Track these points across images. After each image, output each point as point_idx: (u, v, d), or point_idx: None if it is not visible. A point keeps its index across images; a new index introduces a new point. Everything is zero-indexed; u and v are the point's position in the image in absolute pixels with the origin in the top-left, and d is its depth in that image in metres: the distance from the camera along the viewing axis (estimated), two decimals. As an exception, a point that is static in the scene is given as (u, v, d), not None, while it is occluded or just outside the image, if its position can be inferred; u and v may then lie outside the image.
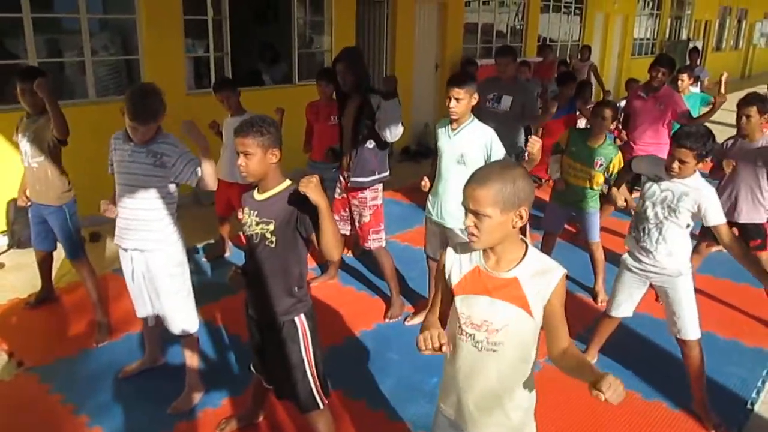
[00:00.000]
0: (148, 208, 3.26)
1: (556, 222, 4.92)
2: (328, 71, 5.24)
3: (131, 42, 6.69)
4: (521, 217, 1.90)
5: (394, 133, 4.09)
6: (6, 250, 5.56)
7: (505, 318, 1.97)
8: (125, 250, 3.38)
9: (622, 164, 4.43)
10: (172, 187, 3.31)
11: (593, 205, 4.65)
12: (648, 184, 3.37)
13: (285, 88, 8.13)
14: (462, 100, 3.71)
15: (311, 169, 5.54)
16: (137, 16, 6.47)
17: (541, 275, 1.94)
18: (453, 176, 3.80)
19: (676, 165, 3.15)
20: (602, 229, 4.84)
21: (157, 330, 3.64)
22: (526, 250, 1.98)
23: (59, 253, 4.45)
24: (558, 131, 6.13)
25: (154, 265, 3.32)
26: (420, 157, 9.33)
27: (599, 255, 4.79)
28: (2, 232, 5.67)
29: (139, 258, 3.34)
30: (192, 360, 3.50)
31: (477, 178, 1.90)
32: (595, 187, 4.60)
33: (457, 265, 2.08)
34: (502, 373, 2.03)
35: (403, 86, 9.03)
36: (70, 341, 4.11)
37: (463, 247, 2.09)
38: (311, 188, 2.38)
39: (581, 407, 3.50)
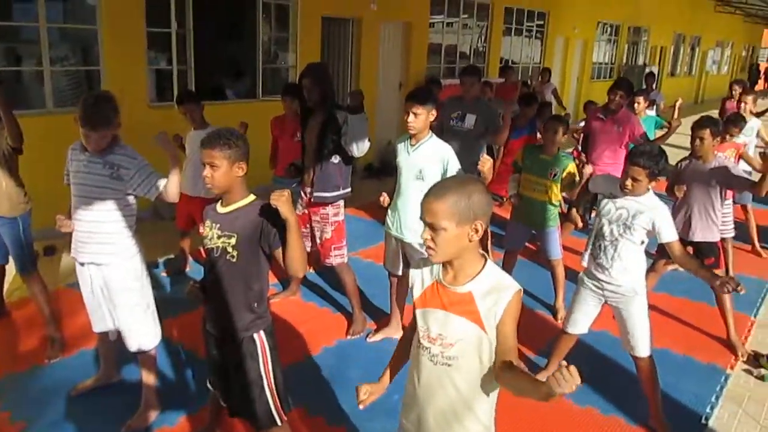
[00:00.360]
0: (105, 220, 3.19)
1: (517, 240, 4.98)
2: (294, 87, 5.23)
3: (92, 53, 6.59)
4: (477, 231, 1.91)
5: (360, 148, 4.10)
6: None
7: (459, 332, 1.98)
8: (82, 264, 3.30)
9: (576, 172, 4.56)
10: (131, 198, 3.24)
11: (553, 222, 4.73)
12: (604, 202, 3.45)
13: (249, 103, 8.09)
14: (420, 115, 3.75)
15: (276, 185, 5.51)
16: (98, 27, 6.39)
17: (495, 291, 1.94)
18: (412, 191, 3.83)
19: (629, 182, 3.25)
20: (563, 247, 4.91)
21: (113, 346, 3.54)
22: (483, 265, 1.99)
23: (11, 267, 4.31)
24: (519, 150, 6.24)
25: (112, 279, 3.24)
26: (383, 174, 9.36)
27: (560, 272, 4.87)
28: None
29: (97, 272, 3.26)
30: (148, 377, 3.41)
31: (434, 192, 1.92)
32: (554, 201, 4.68)
33: (419, 280, 2.11)
34: (459, 388, 2.03)
35: (366, 104, 9.08)
36: (21, 357, 3.98)
37: (425, 261, 2.10)
38: (282, 202, 2.37)
39: (537, 423, 3.53)
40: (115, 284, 3.24)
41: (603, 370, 4.15)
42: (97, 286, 3.29)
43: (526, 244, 5.30)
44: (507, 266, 4.87)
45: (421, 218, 1.94)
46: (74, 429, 3.30)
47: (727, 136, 5.37)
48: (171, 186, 3.19)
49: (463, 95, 5.44)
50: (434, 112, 3.83)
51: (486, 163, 3.62)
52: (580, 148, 6.84)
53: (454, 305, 1.98)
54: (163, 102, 7.19)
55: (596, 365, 4.18)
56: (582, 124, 7.20)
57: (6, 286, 4.52)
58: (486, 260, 2.00)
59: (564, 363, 1.68)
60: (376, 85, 9.82)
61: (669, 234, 3.25)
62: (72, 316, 4.23)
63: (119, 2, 6.42)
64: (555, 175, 4.60)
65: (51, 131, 5.49)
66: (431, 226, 1.90)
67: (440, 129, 4.57)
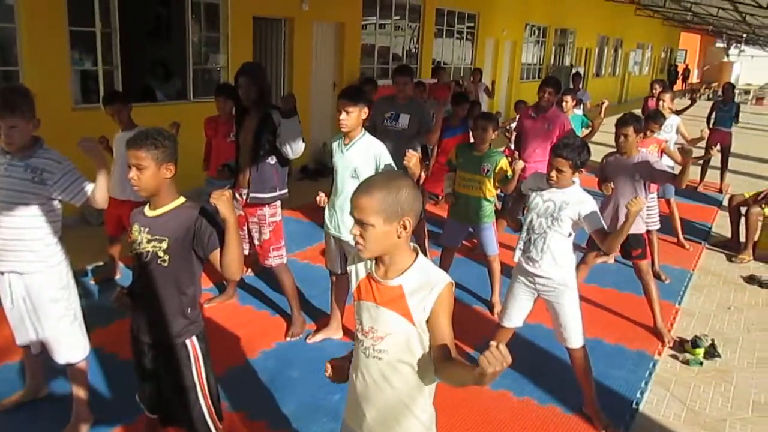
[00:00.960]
0: (27, 226, 3.03)
1: (454, 237, 5.05)
2: (227, 86, 5.15)
3: (10, 53, 6.28)
4: (405, 228, 1.92)
5: (295, 150, 4.08)
6: None
7: (388, 326, 1.99)
8: (2, 273, 3.13)
9: (507, 167, 4.67)
10: (55, 203, 3.10)
11: (488, 218, 4.81)
12: (532, 196, 3.56)
13: (180, 104, 7.90)
14: (352, 113, 3.76)
15: (208, 187, 5.40)
16: (16, 24, 6.10)
17: (426, 285, 1.95)
18: (348, 190, 3.83)
19: (554, 174, 3.37)
20: (499, 244, 5.00)
21: (40, 359, 3.38)
22: (414, 260, 2.00)
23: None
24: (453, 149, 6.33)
25: (35, 289, 3.09)
26: (318, 175, 9.34)
27: (496, 267, 4.96)
28: None
29: (18, 281, 3.09)
30: (79, 390, 3.28)
31: (362, 188, 1.93)
32: (488, 197, 4.77)
33: (355, 273, 2.13)
34: (394, 385, 2.03)
35: (300, 105, 8.97)
36: (-62, 375, 3.76)
37: (359, 256, 2.10)
38: (223, 201, 2.33)
39: (478, 416, 3.59)
40: (38, 294, 3.09)
41: (539, 361, 4.25)
42: (19, 297, 3.12)
43: (463, 242, 5.39)
44: (444, 263, 4.94)
45: (350, 213, 1.95)
46: (-1, 447, 3.15)
47: (648, 132, 5.60)
48: (99, 191, 3.07)
49: (396, 95, 5.47)
50: (366, 111, 3.84)
51: (411, 158, 3.68)
52: (512, 146, 6.99)
53: (384, 299, 1.99)
54: (88, 104, 6.93)
55: (532, 357, 4.28)
56: (514, 123, 7.37)
57: None
58: (417, 254, 2.01)
59: (493, 343, 1.70)
60: (310, 86, 9.77)
61: (594, 223, 3.37)
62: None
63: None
64: (487, 171, 4.69)
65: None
66: (359, 222, 1.91)
67: (373, 129, 4.55)
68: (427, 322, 1.95)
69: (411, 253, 2.00)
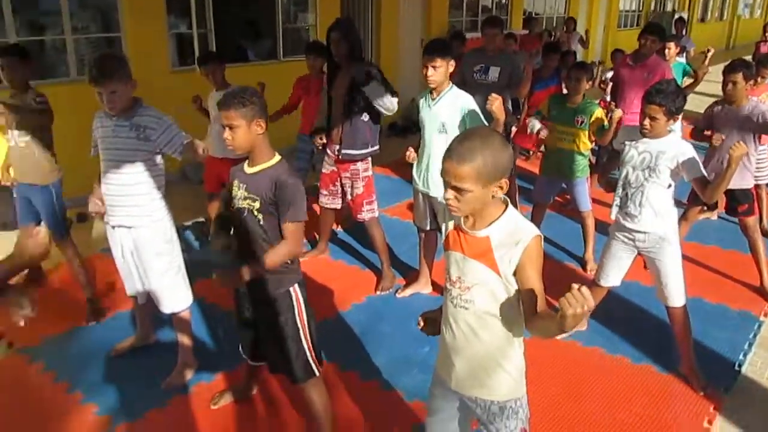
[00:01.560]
0: (134, 183, 3.21)
1: (545, 193, 4.93)
2: (317, 44, 5.20)
3: (112, 20, 6.58)
4: (501, 188, 1.90)
5: (388, 107, 4.12)
6: (-9, 233, 5.50)
7: (475, 276, 1.99)
8: (113, 227, 3.35)
9: (603, 116, 4.49)
10: (158, 158, 3.26)
11: (581, 173, 4.66)
12: (626, 149, 3.40)
13: (270, 64, 8.05)
14: (438, 67, 3.70)
15: (300, 144, 5.52)
16: (118, -7, 6.37)
17: (512, 237, 1.93)
18: (436, 146, 3.81)
19: (647, 122, 3.21)
20: (592, 200, 4.85)
21: (148, 308, 3.62)
22: (503, 211, 1.97)
23: (47, 234, 4.42)
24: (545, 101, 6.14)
25: (141, 243, 3.29)
26: (407, 132, 9.30)
27: (590, 224, 4.83)
28: (-13, 215, 5.60)
29: (126, 235, 3.30)
30: (184, 337, 3.49)
31: (456, 154, 1.88)
32: (582, 150, 4.61)
33: (444, 225, 2.15)
34: (480, 336, 2.04)
35: (388, 62, 8.98)
36: (61, 321, 4.08)
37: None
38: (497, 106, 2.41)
39: (567, 371, 3.55)
40: (144, 248, 3.29)
41: (634, 319, 4.14)
42: (128, 250, 3.34)
43: (555, 197, 5.26)
44: (535, 219, 4.84)
45: (441, 176, 1.93)
46: (115, 388, 3.41)
47: (759, 79, 5.20)
48: (195, 144, 3.22)
49: (485, 47, 5.34)
50: (453, 64, 3.77)
51: (494, 101, 3.59)
52: (608, 98, 6.68)
53: (472, 250, 1.99)
54: (184, 66, 7.19)
55: (627, 315, 4.17)
56: (610, 74, 7.03)
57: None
58: (506, 206, 1.99)
59: (575, 285, 1.66)
60: (397, 43, 9.68)
61: (694, 171, 3.19)
62: (107, 280, 4.33)
63: (137, -33, 6.38)
64: (582, 122, 4.53)
65: (76, 99, 5.51)
66: (455, 189, 1.89)
67: (463, 83, 4.47)
68: (515, 274, 1.93)
69: (500, 205, 1.98)
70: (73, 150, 4.08)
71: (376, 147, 4.35)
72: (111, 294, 4.25)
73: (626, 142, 3.43)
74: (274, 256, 2.57)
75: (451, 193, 1.91)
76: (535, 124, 4.77)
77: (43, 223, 4.18)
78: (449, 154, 1.90)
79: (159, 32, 6.73)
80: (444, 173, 1.91)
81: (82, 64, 6.31)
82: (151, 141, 3.15)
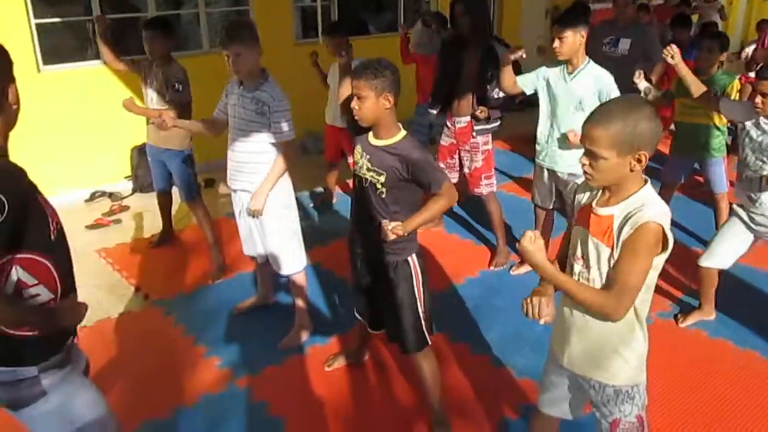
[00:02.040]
0: (254, 151, 3.33)
1: (676, 173, 4.63)
2: (438, 15, 5.15)
3: (241, -7, 6.84)
4: (640, 161, 1.80)
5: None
6: (130, 194, 5.94)
7: (595, 255, 1.91)
8: (235, 191, 3.51)
9: (739, 88, 4.14)
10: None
11: (718, 151, 4.34)
12: (744, 132, 3.13)
13: (391, 36, 8.05)
14: (566, 38, 3.54)
15: (418, 115, 5.52)
16: (247, -33, 6.59)
17: (632, 215, 1.82)
18: (569, 121, 3.65)
19: (759, 100, 2.95)
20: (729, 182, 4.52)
21: (267, 270, 3.77)
22: (638, 189, 1.87)
23: (177, 198, 4.71)
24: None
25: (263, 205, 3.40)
26: (526, 106, 9.03)
27: (723, 207, 4.47)
28: (127, 177, 6.05)
29: (247, 199, 3.43)
30: (300, 299, 3.62)
31: (597, 117, 1.83)
32: (718, 125, 4.28)
33: (579, 199, 2.07)
34: (598, 316, 1.95)
35: (510, 34, 8.74)
36: (189, 278, 4.36)
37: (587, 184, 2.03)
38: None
39: (693, 364, 3.36)
40: (264, 211, 3.40)
41: (763, 309, 3.84)
42: (248, 213, 3.49)
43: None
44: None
45: (581, 141, 1.86)
46: (237, 343, 3.60)
47: None
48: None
49: (616, 18, 5.06)
50: (584, 35, 3.59)
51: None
52: (752, 74, 6.16)
53: (595, 227, 1.91)
54: (307, 39, 7.36)
55: (753, 305, 3.89)
56: (751, 47, 6.48)
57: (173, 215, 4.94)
58: (645, 184, 1.88)
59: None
60: (521, 14, 9.40)
61: None
62: (231, 243, 4.55)
63: (266, -58, 6.57)
64: (715, 95, 4.21)
65: (207, 70, 5.79)
66: (591, 153, 1.82)
67: (592, 55, 4.25)
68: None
69: (639, 182, 1.88)
70: (203, 118, 4.29)
71: (498, 122, 4.28)
72: (234, 255, 4.47)
73: (745, 123, 3.16)
74: (432, 210, 2.57)
75: (585, 159, 1.85)
76: (643, 85, 4.46)
77: (176, 185, 4.47)
78: (590, 116, 1.85)
79: (284, 5, 6.92)
80: (582, 136, 1.86)
81: (214, 37, 6.62)
82: (265, 116, 3.24)
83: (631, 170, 1.82)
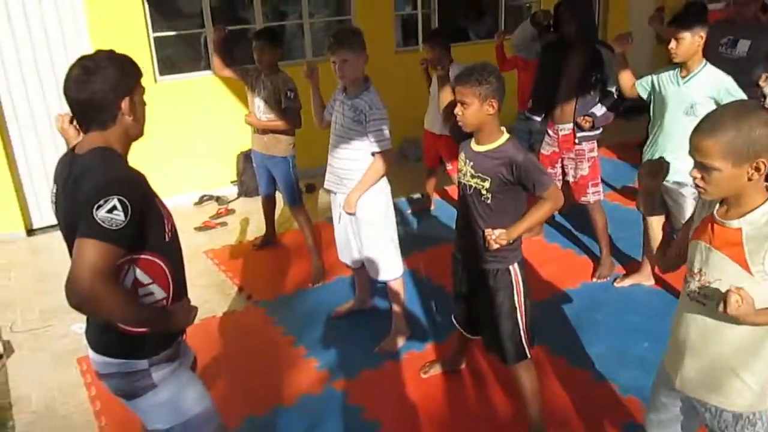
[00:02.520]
0: (352, 158, 3.38)
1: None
2: (538, 20, 5.05)
3: (344, 4, 6.98)
4: (759, 170, 1.68)
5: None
6: (236, 198, 6.19)
7: (719, 271, 1.79)
8: (334, 194, 3.57)
9: None
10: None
11: None
12: None
13: (490, 43, 7.97)
14: (683, 39, 3.36)
15: (518, 122, 5.42)
16: (349, -21, 6.73)
17: (765, 229, 1.70)
18: (679, 129, 3.45)
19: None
20: None
21: (365, 275, 3.81)
22: (764, 201, 1.74)
23: (280, 203, 4.86)
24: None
25: (359, 212, 3.43)
26: (632, 113, 8.66)
27: None
28: (233, 182, 6.31)
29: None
30: (396, 305, 3.63)
31: (705, 126, 1.71)
32: None
33: (699, 211, 1.96)
34: (716, 337, 1.83)
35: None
36: (290, 281, 4.49)
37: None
38: None
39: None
40: (362, 217, 3.44)
41: None
42: (346, 218, 3.53)
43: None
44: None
45: (690, 154, 1.75)
46: (335, 346, 3.66)
47: None
48: (379, 164, 3.33)
49: (735, 17, 4.77)
50: (702, 36, 3.40)
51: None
52: None
53: (719, 241, 1.79)
54: (408, 47, 7.41)
55: None
56: None
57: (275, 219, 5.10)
58: None
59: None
60: (626, 14, 9.05)
61: None
62: (330, 247, 4.59)
63: (367, -46, 6.68)
64: None
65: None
66: (702, 165, 1.71)
67: (708, 57, 4.03)
68: None
69: (763, 193, 1.75)
70: (305, 125, 4.41)
71: (601, 129, 4.13)
72: (334, 259, 4.55)
73: None
74: (538, 214, 2.56)
75: (696, 172, 1.74)
76: (767, 90, 4.14)
77: (280, 190, 4.61)
78: (698, 126, 1.74)
79: (386, 14, 7.01)
80: (691, 148, 1.75)
81: (316, 46, 6.80)
82: (362, 124, 3.28)
83: (749, 179, 1.70)
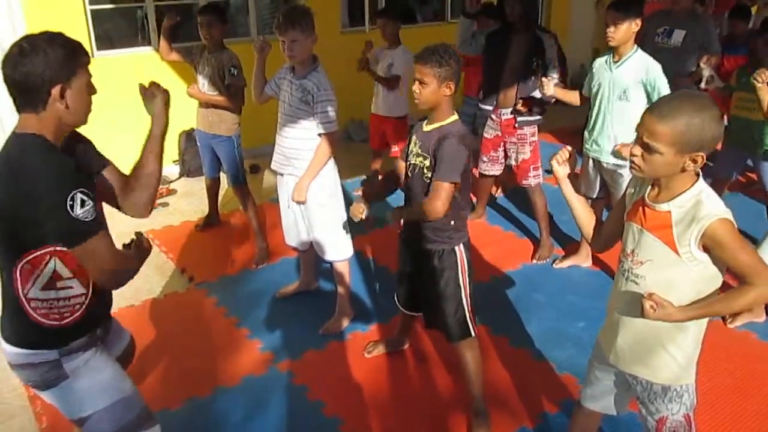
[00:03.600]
0: (299, 137, 3.35)
1: (727, 169, 4.51)
2: (491, 6, 5.10)
3: (290, -20, 6.87)
4: (695, 162, 1.75)
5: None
6: (178, 178, 6.05)
7: (650, 252, 1.87)
8: (281, 175, 3.54)
9: None
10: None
11: (772, 147, 4.20)
12: None
13: (437, 26, 8.02)
14: (620, 26, 3.47)
15: (465, 107, 5.47)
16: (296, -46, 6.61)
17: (691, 214, 1.78)
18: (614, 113, 3.60)
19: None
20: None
21: (311, 256, 3.81)
22: (692, 185, 1.82)
23: (224, 184, 4.78)
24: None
25: (308, 196, 3.42)
26: (574, 99, 8.90)
27: (778, 206, 4.36)
28: (174, 162, 6.17)
29: (292, 184, 3.45)
30: (342, 286, 3.64)
31: (663, 111, 1.75)
32: None
33: (630, 193, 2.03)
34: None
35: (559, 23, 8.60)
36: (233, 262, 4.44)
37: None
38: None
39: (742, 366, 3.27)
40: (312, 200, 3.43)
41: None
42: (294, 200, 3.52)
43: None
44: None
45: (637, 130, 1.81)
46: (279, 327, 3.65)
47: None
48: (325, 146, 3.32)
49: (672, 8, 4.93)
50: (638, 23, 3.51)
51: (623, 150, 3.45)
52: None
53: (650, 221, 1.87)
54: (354, 27, 7.36)
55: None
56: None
57: (219, 199, 5.02)
58: (698, 179, 1.83)
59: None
60: (569, 2, 9.22)
61: None
62: (275, 228, 4.57)
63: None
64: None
65: (254, 57, 5.88)
66: (646, 145, 1.77)
67: (641, 46, 4.17)
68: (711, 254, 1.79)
69: (692, 178, 1.83)
70: (249, 105, 4.33)
71: (541, 114, 4.24)
72: (278, 240, 4.51)
73: None
74: (408, 213, 2.64)
75: (638, 150, 1.80)
76: (707, 72, 4.31)
77: (224, 170, 4.54)
78: (653, 107, 1.79)
79: (332, -7, 6.93)
80: (640, 125, 1.80)
81: (261, 25, 6.67)
82: (309, 105, 3.26)
83: (684, 170, 1.77)
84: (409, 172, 2.72)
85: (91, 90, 1.93)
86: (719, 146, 4.38)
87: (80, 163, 1.92)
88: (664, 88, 3.47)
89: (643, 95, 3.51)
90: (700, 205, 1.78)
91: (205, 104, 4.35)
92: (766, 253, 3.36)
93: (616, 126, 3.62)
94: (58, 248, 1.81)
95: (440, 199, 2.51)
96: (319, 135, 3.31)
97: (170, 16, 4.41)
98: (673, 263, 1.83)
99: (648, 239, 1.88)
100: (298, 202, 3.40)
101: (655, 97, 3.44)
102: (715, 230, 1.75)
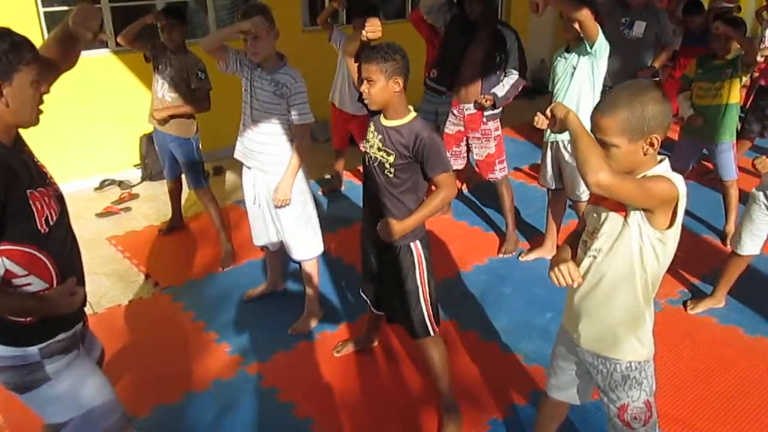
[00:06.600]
0: (269, 132, 3.33)
1: (684, 159, 4.59)
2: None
3: (249, -20, 6.80)
4: (652, 145, 1.81)
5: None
6: (140, 183, 5.95)
7: (606, 225, 1.93)
8: (249, 168, 3.50)
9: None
10: (294, 113, 3.35)
11: (728, 135, 4.30)
12: None
13: (399, 23, 8.02)
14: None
15: (425, 104, 5.47)
16: (254, -47, 6.55)
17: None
18: (572, 95, 3.73)
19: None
20: (739, 168, 4.48)
21: (278, 257, 3.78)
22: (655, 165, 1.87)
23: (187, 187, 4.72)
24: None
25: (278, 194, 3.38)
26: (535, 94, 8.99)
27: (733, 194, 4.46)
28: (136, 166, 6.06)
29: (262, 181, 3.43)
30: (310, 286, 3.62)
31: (604, 105, 1.83)
32: (730, 102, 4.23)
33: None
34: (603, 282, 1.97)
35: (519, 20, 8.68)
36: (198, 265, 4.38)
37: None
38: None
39: (704, 350, 3.35)
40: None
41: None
42: (263, 198, 3.47)
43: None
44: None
45: (591, 131, 1.85)
46: (246, 330, 3.62)
47: None
48: (303, 141, 3.33)
49: (629, 1, 5.02)
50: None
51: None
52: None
53: (612, 203, 1.91)
54: (315, 26, 7.31)
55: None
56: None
57: (182, 202, 4.95)
58: (664, 160, 1.90)
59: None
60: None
61: None
62: (241, 230, 4.57)
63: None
64: (730, 73, 4.17)
65: (213, 59, 5.81)
66: (602, 142, 1.82)
67: (605, 36, 4.27)
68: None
69: (654, 161, 1.88)
70: (212, 107, 4.29)
71: (501, 107, 4.28)
72: (244, 242, 4.48)
73: None
74: (431, 205, 2.60)
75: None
76: (685, 108, 4.42)
77: (183, 173, 4.47)
78: (597, 106, 1.85)
79: (292, -8, 6.89)
80: (591, 126, 1.85)
81: (220, 25, 6.59)
82: (284, 99, 3.25)
83: (645, 154, 1.83)
84: (368, 163, 2.71)
85: (40, 89, 1.85)
86: (677, 137, 4.57)
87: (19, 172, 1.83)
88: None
89: (588, 69, 3.64)
90: (652, 173, 1.85)
91: (162, 104, 4.26)
92: (751, 244, 3.43)
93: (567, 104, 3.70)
94: (3, 247, 1.78)
95: (449, 188, 2.58)
96: (295, 126, 3.29)
97: (158, 17, 4.30)
98: (624, 231, 1.89)
99: (602, 212, 1.95)
100: (282, 204, 3.36)
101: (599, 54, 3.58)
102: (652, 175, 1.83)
